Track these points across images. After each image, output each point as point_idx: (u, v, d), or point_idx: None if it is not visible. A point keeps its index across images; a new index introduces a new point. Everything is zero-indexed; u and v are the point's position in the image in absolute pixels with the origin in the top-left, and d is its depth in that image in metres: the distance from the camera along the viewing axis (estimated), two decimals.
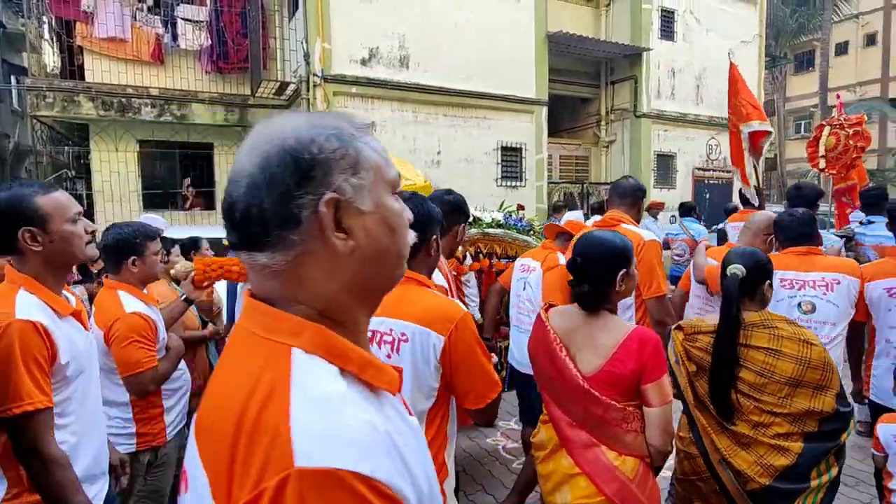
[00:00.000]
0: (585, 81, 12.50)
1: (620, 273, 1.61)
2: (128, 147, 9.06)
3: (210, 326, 3.30)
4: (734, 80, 5.73)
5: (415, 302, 1.47)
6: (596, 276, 1.60)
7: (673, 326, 1.94)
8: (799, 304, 2.51)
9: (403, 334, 1.45)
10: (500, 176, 9.90)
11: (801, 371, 1.63)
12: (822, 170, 5.94)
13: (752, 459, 1.64)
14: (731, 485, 1.64)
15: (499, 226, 3.90)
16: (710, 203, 12.34)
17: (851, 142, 5.68)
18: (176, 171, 9.86)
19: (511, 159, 10.13)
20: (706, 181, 13.00)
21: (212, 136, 9.57)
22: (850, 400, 1.94)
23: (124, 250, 2.11)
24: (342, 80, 8.44)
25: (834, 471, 1.66)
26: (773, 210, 3.38)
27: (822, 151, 5.84)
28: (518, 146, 10.14)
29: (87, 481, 1.53)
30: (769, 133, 5.42)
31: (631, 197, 2.70)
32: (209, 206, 9.86)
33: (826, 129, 5.90)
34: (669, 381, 1.60)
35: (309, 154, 0.60)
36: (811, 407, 1.63)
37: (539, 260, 2.99)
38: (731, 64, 5.86)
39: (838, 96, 6.88)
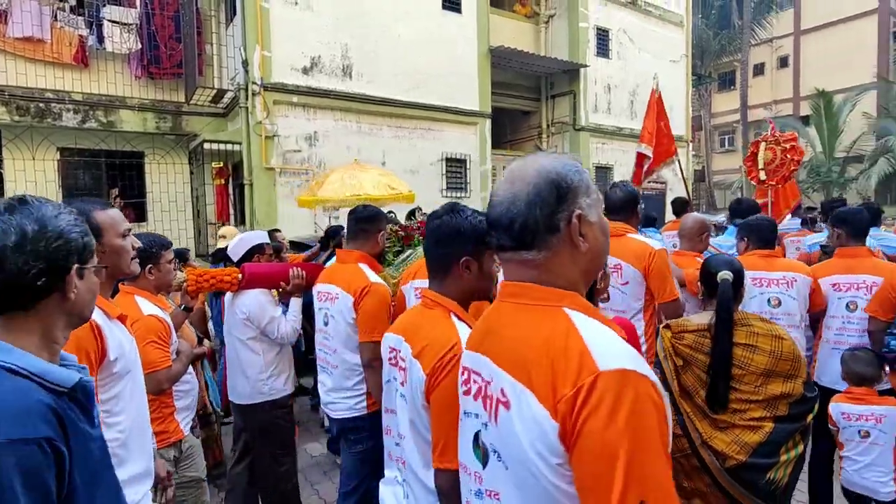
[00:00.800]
0: (527, 95, 12.83)
1: (598, 273, 1.82)
2: (46, 155, 8.42)
3: (206, 343, 3.25)
4: (649, 105, 6.52)
5: (423, 329, 1.41)
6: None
7: (661, 325, 2.13)
8: (768, 300, 2.87)
9: (409, 364, 1.40)
10: (445, 187, 9.95)
11: (773, 363, 1.85)
12: (761, 182, 6.51)
13: (729, 440, 1.85)
14: (712, 464, 1.85)
15: None
16: (646, 212, 12.93)
17: (788, 155, 6.26)
18: (102, 181, 9.26)
19: (456, 170, 10.22)
20: (641, 192, 13.59)
21: (142, 144, 9.07)
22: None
23: (142, 259, 2.21)
24: (283, 89, 8.24)
25: (800, 447, 1.86)
26: (693, 216, 3.65)
27: (760, 165, 6.42)
28: (463, 157, 10.24)
29: (140, 480, 1.59)
30: (647, 157, 6.38)
31: (623, 210, 2.81)
32: (140, 217, 9.31)
33: (762, 145, 6.47)
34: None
35: (565, 183, 0.91)
36: (783, 391, 1.84)
37: None
38: (652, 90, 6.53)
39: (770, 121, 7.57)
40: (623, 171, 13.13)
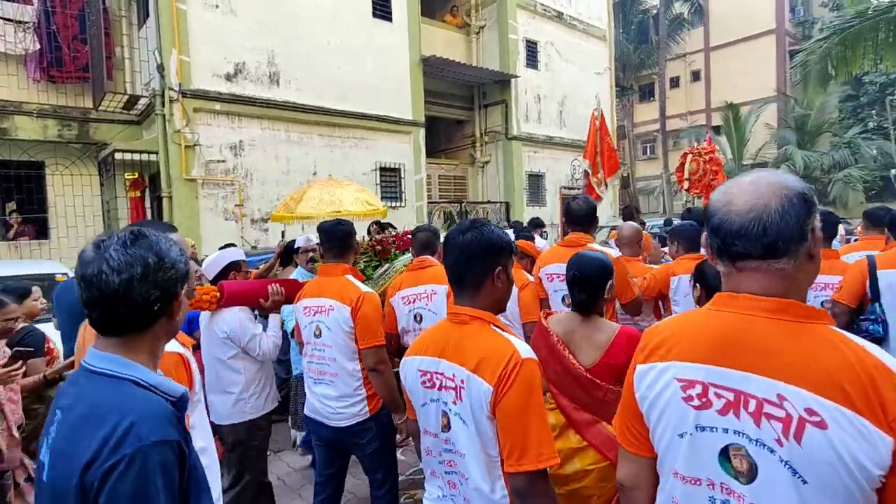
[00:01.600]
0: (460, 104, 12.93)
1: (609, 283, 2.04)
2: None
3: None
4: (591, 126, 7.20)
5: (468, 344, 1.43)
6: (590, 286, 2.01)
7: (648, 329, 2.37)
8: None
9: (462, 381, 1.40)
10: (380, 196, 9.78)
11: None
12: (687, 190, 7.29)
13: None
14: None
15: None
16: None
17: (708, 166, 7.00)
18: None
19: (390, 179, 10.07)
20: (572, 198, 14.08)
21: (43, 153, 8.26)
22: None
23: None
24: (204, 96, 7.78)
25: None
26: (629, 224, 3.87)
27: (686, 175, 7.19)
28: (397, 166, 10.13)
29: None
30: (588, 172, 7.13)
31: (584, 221, 3.03)
32: (41, 234, 8.46)
33: (689, 157, 7.29)
34: None
35: (809, 198, 0.99)
36: None
37: None
38: (592, 114, 7.22)
39: (707, 133, 8.55)
40: (554, 179, 13.51)
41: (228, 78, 8.05)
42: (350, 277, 2.59)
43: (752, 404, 0.96)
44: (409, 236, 3.86)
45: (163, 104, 7.46)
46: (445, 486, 1.50)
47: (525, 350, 1.36)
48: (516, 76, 12.17)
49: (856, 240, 5.10)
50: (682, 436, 1.05)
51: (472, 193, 12.86)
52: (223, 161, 8.04)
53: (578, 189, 14.26)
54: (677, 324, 1.15)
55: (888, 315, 2.86)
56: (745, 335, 0.99)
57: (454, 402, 1.41)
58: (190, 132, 7.64)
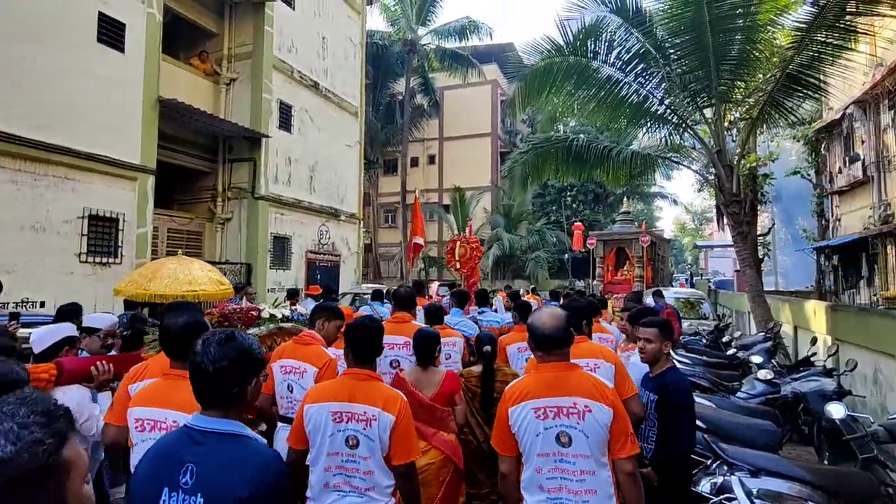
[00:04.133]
0: (202, 155, 11.90)
1: (437, 348, 3.19)
2: None
3: None
4: (415, 209, 8.92)
5: (372, 392, 2.21)
6: (431, 350, 3.14)
7: (461, 374, 3.51)
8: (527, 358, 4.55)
9: (374, 415, 2.14)
10: (85, 250, 8.06)
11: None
12: (457, 269, 10.10)
13: None
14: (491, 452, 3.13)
15: (289, 320, 4.32)
16: (321, 282, 13.36)
17: (474, 252, 10.10)
18: None
19: (103, 231, 8.43)
20: (318, 263, 14.10)
21: None
22: None
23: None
24: None
25: None
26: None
27: (457, 257, 9.88)
28: (114, 216, 8.56)
29: None
30: (422, 247, 8.87)
31: (408, 304, 4.13)
32: None
33: (458, 244, 10.03)
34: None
35: (571, 316, 2.82)
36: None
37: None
38: (416, 197, 8.96)
39: (469, 222, 11.24)
40: (301, 242, 13.36)
41: None
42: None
43: (565, 409, 2.03)
44: (252, 313, 4.37)
45: None
46: (344, 488, 2.16)
47: (403, 394, 2.28)
48: (268, 136, 11.88)
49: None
50: (538, 434, 2.05)
51: (209, 252, 11.70)
52: None
53: (325, 254, 14.40)
54: (526, 381, 2.17)
55: None
56: (556, 380, 2.09)
57: (364, 429, 2.13)
58: None
